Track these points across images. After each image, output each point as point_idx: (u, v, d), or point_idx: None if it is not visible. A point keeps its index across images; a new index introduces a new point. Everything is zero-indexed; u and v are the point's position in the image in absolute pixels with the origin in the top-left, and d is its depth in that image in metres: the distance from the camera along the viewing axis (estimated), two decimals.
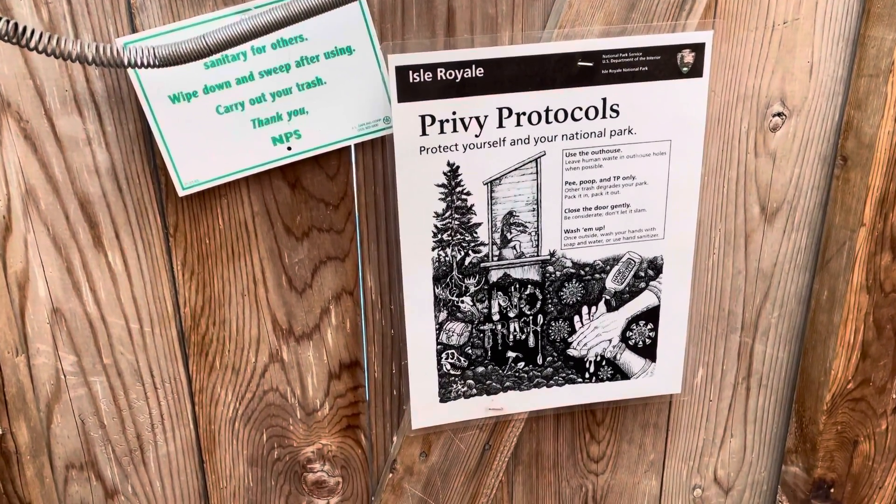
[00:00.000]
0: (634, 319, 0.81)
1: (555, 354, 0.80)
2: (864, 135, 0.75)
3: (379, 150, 0.72)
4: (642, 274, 0.79)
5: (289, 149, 0.70)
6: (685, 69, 0.71)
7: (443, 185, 0.71)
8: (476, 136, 0.70)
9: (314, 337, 0.79)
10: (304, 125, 0.69)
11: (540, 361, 0.80)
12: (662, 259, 0.79)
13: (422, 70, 0.66)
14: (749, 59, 0.75)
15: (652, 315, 0.81)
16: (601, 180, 0.74)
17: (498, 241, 0.75)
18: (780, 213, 0.83)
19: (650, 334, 0.82)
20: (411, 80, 0.67)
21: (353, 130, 0.70)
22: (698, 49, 0.71)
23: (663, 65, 0.70)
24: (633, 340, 0.82)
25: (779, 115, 0.78)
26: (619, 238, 0.77)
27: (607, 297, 0.79)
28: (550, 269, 0.77)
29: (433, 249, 0.74)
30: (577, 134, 0.72)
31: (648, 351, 0.82)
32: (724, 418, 0.92)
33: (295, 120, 0.69)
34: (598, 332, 0.81)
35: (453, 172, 0.71)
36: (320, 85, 0.68)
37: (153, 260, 0.73)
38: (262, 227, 0.74)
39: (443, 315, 0.76)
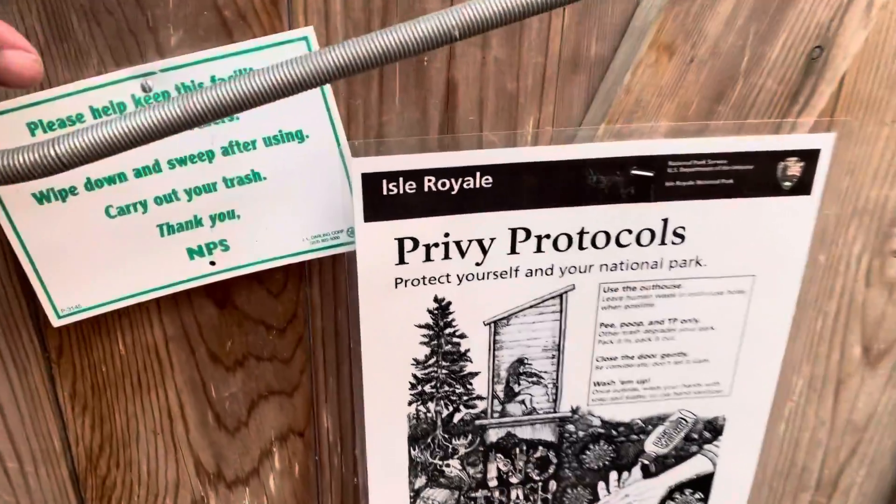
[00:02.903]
0: (679, 488, 0.61)
1: None
2: None
3: (343, 262, 0.52)
4: (695, 436, 0.58)
5: (212, 264, 0.50)
6: (787, 184, 0.49)
7: (427, 326, 0.51)
8: (477, 264, 0.49)
9: (251, 483, 0.60)
10: (235, 234, 0.49)
11: None
12: (724, 420, 0.58)
13: (401, 179, 0.45)
14: (876, 164, 0.53)
15: (703, 484, 0.61)
16: (651, 323, 0.53)
17: (501, 395, 0.54)
18: (889, 355, 0.61)
19: None
20: (385, 192, 0.45)
21: (304, 243, 0.50)
22: (810, 158, 0.48)
23: (756, 177, 0.48)
24: None
25: None
26: (669, 393, 0.56)
27: (645, 462, 0.59)
28: (571, 427, 0.56)
29: (410, 404, 0.53)
30: (621, 264, 0.50)
31: None
32: None
33: (221, 227, 0.48)
34: (628, 502, 0.61)
35: (442, 310, 0.50)
36: (257, 181, 0.47)
37: (31, 390, 0.54)
38: (178, 354, 0.54)
39: (420, 481, 0.57)
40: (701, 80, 0.45)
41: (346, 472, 0.61)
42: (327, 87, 0.45)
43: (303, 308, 0.54)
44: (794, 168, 0.48)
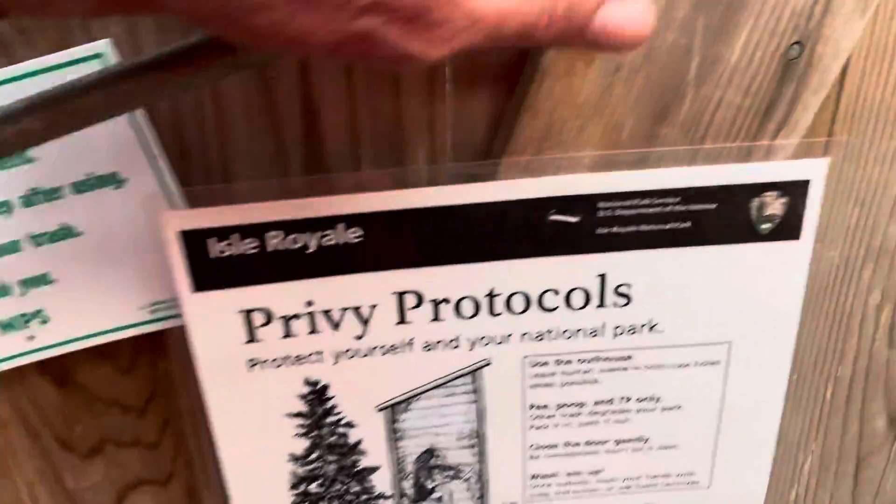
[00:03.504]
0: None
1: None
2: None
3: None
4: None
5: (31, 339, 0.40)
6: (766, 226, 0.37)
7: (301, 415, 0.40)
8: (357, 337, 0.38)
9: None
10: (52, 303, 0.39)
11: None
12: None
13: (236, 236, 0.34)
14: (891, 192, 0.40)
15: None
16: (597, 403, 0.41)
17: (410, 493, 0.43)
18: None
19: None
20: (217, 254, 0.35)
21: (140, 313, 0.39)
22: (795, 191, 0.36)
23: (722, 219, 0.36)
24: None
25: None
26: (630, 486, 0.44)
27: None
28: None
29: None
30: (549, 332, 0.39)
31: None
32: None
33: (34, 294, 0.38)
34: None
35: (318, 395, 0.39)
36: (71, 237, 0.37)
37: None
38: (21, 441, 0.45)
39: None
40: (634, 93, 0.33)
41: None
42: (140, 115, 0.35)
43: (162, 385, 0.44)
44: (775, 206, 0.36)
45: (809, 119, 0.34)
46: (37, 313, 0.39)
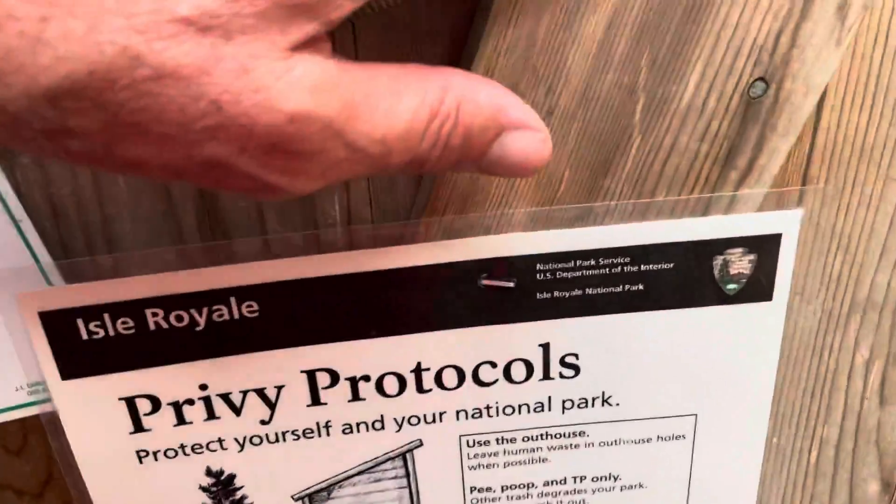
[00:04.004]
0: None
1: None
2: None
3: None
4: None
5: None
6: (732, 287, 0.32)
7: None
8: (263, 422, 0.33)
9: None
10: None
11: None
12: None
13: (107, 315, 0.29)
14: (882, 236, 0.34)
15: None
16: (547, 483, 0.36)
17: None
18: None
19: None
20: (87, 336, 0.30)
21: (19, 395, 0.34)
22: (764, 247, 0.31)
23: (680, 280, 0.31)
24: None
25: None
26: None
27: None
28: None
29: None
30: (489, 408, 0.34)
31: None
32: None
33: None
34: None
35: (223, 486, 0.34)
36: None
37: None
38: None
39: None
40: (570, 142, 0.28)
41: None
42: (3, 183, 0.30)
43: (58, 467, 0.39)
44: (741, 264, 0.31)
45: (777, 166, 0.29)
46: None
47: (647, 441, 0.35)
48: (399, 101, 0.20)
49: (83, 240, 0.32)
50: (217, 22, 0.17)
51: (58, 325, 0.29)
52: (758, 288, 0.32)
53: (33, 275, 0.31)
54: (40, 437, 0.38)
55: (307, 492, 0.35)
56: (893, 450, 0.41)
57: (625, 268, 0.31)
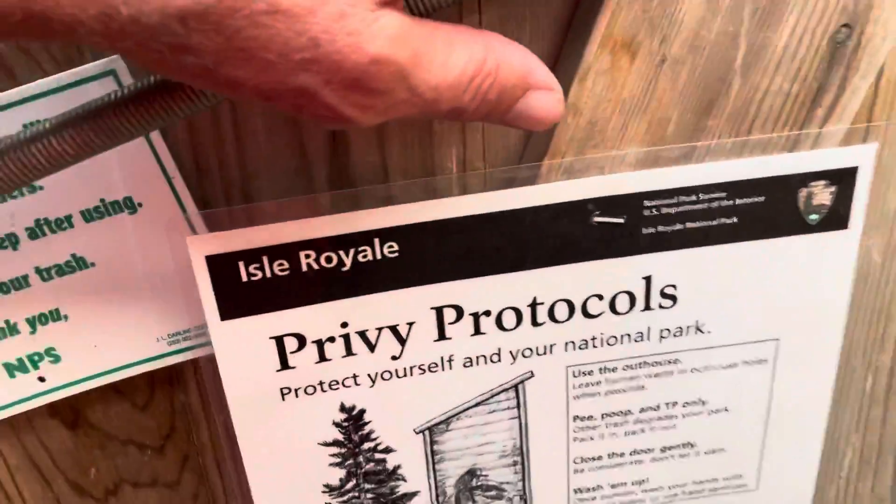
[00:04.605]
0: None
1: None
2: None
3: None
4: None
5: (41, 380, 0.37)
6: (814, 217, 0.35)
7: (336, 444, 0.38)
8: (394, 357, 0.36)
9: None
10: (64, 340, 0.36)
11: None
12: None
13: (266, 258, 0.32)
14: None
15: None
16: (642, 410, 0.40)
17: None
18: None
19: None
20: (246, 278, 0.32)
21: (159, 345, 0.37)
22: (843, 179, 0.35)
23: (770, 213, 0.35)
24: None
25: None
26: (676, 493, 0.43)
27: None
28: None
29: None
30: (594, 340, 0.37)
31: None
32: None
33: (44, 332, 0.36)
34: None
35: (354, 421, 0.37)
36: (82, 269, 0.35)
37: None
38: (33, 487, 0.42)
39: None
40: (680, 86, 0.32)
41: None
42: (154, 134, 0.32)
43: (181, 420, 0.41)
44: (823, 195, 0.35)
45: (857, 104, 0.33)
46: (48, 352, 0.36)
47: (734, 366, 0.39)
48: (451, 57, 0.24)
49: (224, 197, 0.35)
50: None
51: (220, 269, 0.32)
52: (836, 217, 0.35)
53: (184, 227, 0.34)
54: (166, 391, 0.41)
55: (427, 425, 0.38)
56: None
57: (721, 202, 0.34)
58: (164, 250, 0.34)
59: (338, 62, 0.21)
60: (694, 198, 0.34)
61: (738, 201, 0.34)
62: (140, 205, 0.34)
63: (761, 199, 0.35)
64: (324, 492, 0.39)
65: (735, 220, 0.35)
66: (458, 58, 0.24)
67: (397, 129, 0.34)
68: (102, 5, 0.19)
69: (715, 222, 0.35)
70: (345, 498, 0.39)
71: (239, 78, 0.21)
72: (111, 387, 0.39)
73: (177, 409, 0.41)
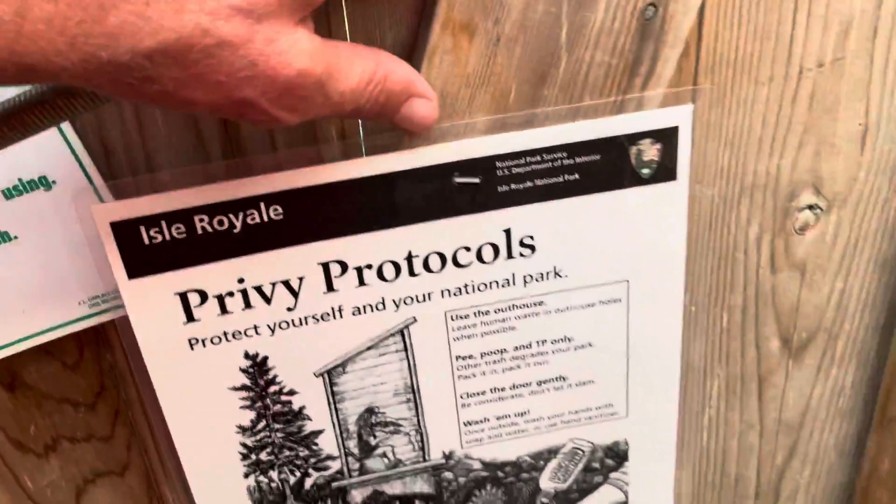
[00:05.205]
0: None
1: None
2: None
3: None
4: (597, 465, 0.51)
5: None
6: (646, 171, 0.41)
7: (244, 388, 0.43)
8: (289, 309, 0.41)
9: None
10: None
11: None
12: (627, 443, 0.50)
13: (164, 222, 0.37)
14: (758, 131, 0.44)
15: None
16: (516, 348, 0.45)
17: (355, 451, 0.47)
18: (813, 345, 0.53)
19: None
20: (148, 241, 0.37)
21: (82, 308, 0.42)
22: (667, 137, 0.40)
23: (607, 169, 0.41)
24: None
25: (811, 208, 0.48)
26: (556, 423, 0.49)
27: (544, 501, 0.51)
28: (449, 475, 0.49)
29: (247, 476, 0.46)
30: (466, 287, 0.43)
31: None
32: None
33: None
34: None
35: (258, 367, 0.42)
36: (6, 242, 0.39)
37: None
38: None
39: None
40: (515, 61, 0.37)
41: None
42: (66, 129, 0.37)
43: (109, 378, 0.46)
44: (651, 152, 0.41)
45: (670, 71, 0.39)
46: None
47: (592, 306, 0.45)
48: (352, 69, 0.31)
49: (130, 174, 0.40)
50: (254, 9, 0.26)
51: (125, 233, 0.37)
52: (665, 171, 0.41)
53: (92, 198, 0.38)
54: (93, 352, 0.45)
55: (325, 368, 0.43)
56: (787, 310, 0.51)
57: (563, 161, 0.40)
58: (79, 220, 0.39)
59: (271, 77, 0.28)
60: (539, 158, 0.40)
61: (577, 160, 0.40)
62: (54, 182, 0.38)
63: (598, 157, 0.40)
64: (237, 432, 0.44)
65: (577, 176, 0.40)
66: (356, 69, 0.31)
67: None
68: (84, 53, 0.25)
69: (560, 179, 0.40)
70: (258, 437, 0.44)
71: (195, 98, 0.27)
72: (42, 349, 0.43)
73: (104, 368, 0.46)
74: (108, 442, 0.48)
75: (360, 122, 0.40)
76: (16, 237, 0.39)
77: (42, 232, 0.39)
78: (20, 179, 0.38)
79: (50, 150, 0.38)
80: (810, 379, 0.55)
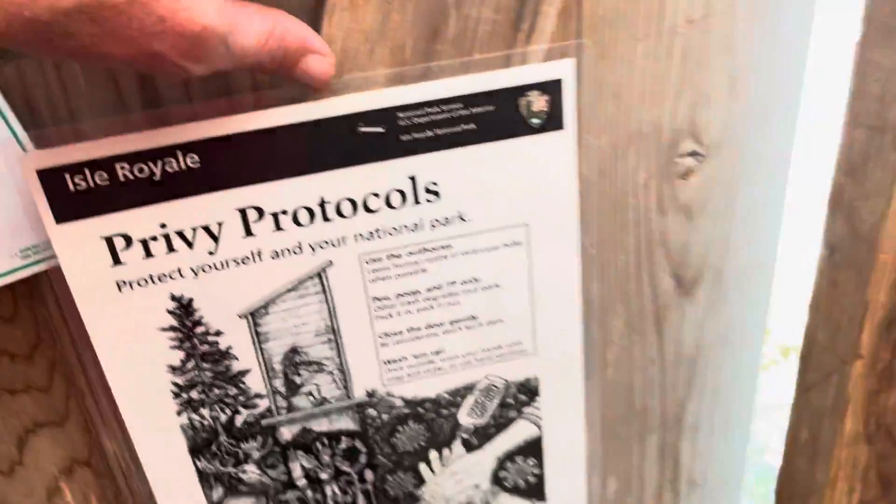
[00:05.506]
0: (508, 457, 0.57)
1: None
2: (860, 221, 0.48)
3: None
4: (511, 401, 0.55)
5: None
6: (536, 121, 0.45)
7: (172, 329, 0.46)
8: (210, 253, 0.44)
9: None
10: None
11: None
12: (537, 379, 0.55)
13: (87, 170, 0.40)
14: (639, 84, 0.49)
15: (533, 448, 0.57)
16: (429, 289, 0.49)
17: (282, 389, 0.50)
18: (702, 282, 0.59)
19: (534, 471, 0.58)
20: (73, 188, 0.40)
21: (14, 260, 0.44)
22: (553, 89, 0.45)
23: (500, 118, 0.45)
24: (511, 482, 0.58)
25: (692, 154, 0.53)
26: (470, 361, 0.53)
27: (464, 436, 0.56)
28: (372, 412, 0.53)
29: (180, 414, 0.49)
30: (377, 231, 0.46)
31: (534, 490, 0.59)
32: None
33: None
34: (458, 479, 0.57)
35: (184, 308, 0.46)
36: None
37: None
38: None
39: (217, 493, 0.52)
40: (408, 18, 0.41)
41: (148, 496, 0.56)
42: None
43: (45, 330, 0.49)
44: (539, 103, 0.45)
45: (552, 27, 0.43)
46: None
47: (496, 248, 0.49)
48: (252, 26, 0.35)
49: (53, 129, 0.42)
50: None
51: (52, 180, 0.39)
52: (553, 121, 0.46)
53: (17, 150, 0.41)
54: (28, 304, 0.48)
55: (248, 310, 0.47)
56: (677, 250, 0.56)
57: (460, 112, 0.44)
58: (9, 176, 0.42)
59: (179, 32, 0.31)
60: (437, 109, 0.44)
61: (473, 110, 0.44)
62: None
63: (492, 108, 0.44)
64: (168, 372, 0.47)
65: (474, 126, 0.45)
66: (256, 27, 0.35)
67: None
68: (7, 14, 0.28)
69: (458, 129, 0.44)
70: (188, 376, 0.47)
71: (111, 52, 0.31)
72: None
73: (40, 320, 0.48)
74: (47, 392, 0.51)
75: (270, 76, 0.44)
76: None
77: None
78: None
79: None
80: (700, 315, 0.60)
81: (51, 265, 0.45)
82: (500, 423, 0.56)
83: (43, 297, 0.47)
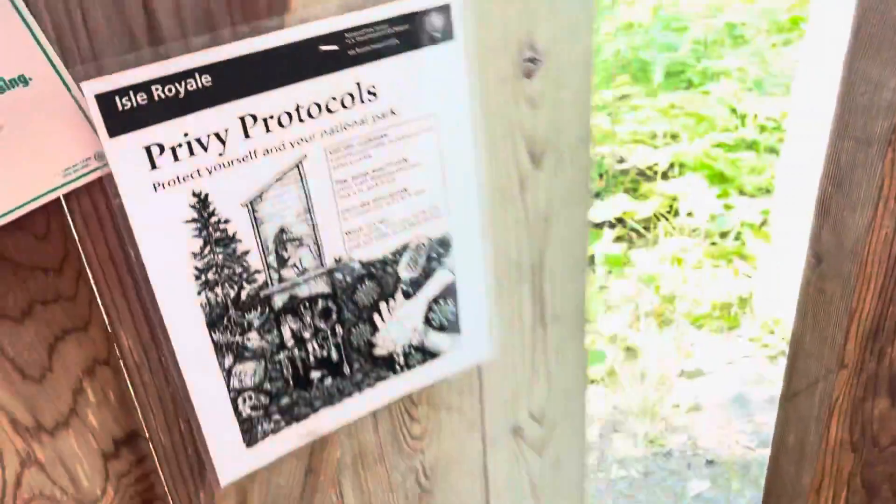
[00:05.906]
0: (434, 300, 0.76)
1: (361, 360, 0.74)
2: (846, 230, 0.49)
3: (98, 189, 0.57)
4: (435, 255, 0.74)
5: None
6: (436, 35, 0.64)
7: (193, 220, 0.59)
8: (220, 154, 0.58)
9: (73, 423, 0.65)
10: None
11: (347, 371, 0.73)
12: (450, 236, 0.74)
13: (132, 92, 0.52)
14: (496, 6, 0.69)
15: (451, 292, 0.77)
16: (374, 171, 0.66)
17: (274, 264, 0.64)
18: (547, 156, 0.81)
19: (452, 310, 0.78)
20: (121, 108, 0.52)
21: (57, 179, 0.54)
22: (444, 10, 0.63)
23: (413, 34, 0.63)
24: (437, 321, 0.77)
25: (531, 60, 0.75)
26: (405, 225, 0.70)
27: (403, 287, 0.73)
28: (339, 276, 0.68)
29: (199, 293, 0.62)
30: (337, 127, 0.62)
31: (453, 326, 0.79)
32: (529, 360, 0.93)
33: None
34: (401, 324, 0.75)
35: (202, 203, 0.59)
36: None
37: None
38: None
39: (229, 360, 0.66)
40: None
41: (160, 384, 0.67)
42: (38, 32, 0.50)
43: (73, 244, 0.59)
44: (437, 20, 0.63)
45: None
46: None
47: (417, 135, 0.67)
48: None
49: (81, 63, 0.53)
50: None
51: (106, 103, 0.51)
52: (447, 32, 0.64)
53: (56, 83, 0.52)
54: (58, 220, 0.58)
55: (248, 199, 0.61)
56: (529, 134, 0.78)
57: (386, 30, 0.61)
58: (53, 107, 0.52)
59: None
60: (372, 29, 0.60)
61: (395, 28, 0.62)
62: (31, 79, 0.51)
63: (407, 26, 0.62)
64: (190, 257, 0.60)
65: (397, 41, 0.62)
66: None
67: (191, 5, 0.56)
68: None
69: (387, 44, 0.62)
70: (206, 259, 0.60)
71: None
72: (14, 225, 0.55)
73: (67, 234, 0.58)
74: (74, 301, 0.60)
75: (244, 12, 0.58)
76: (1, 127, 0.51)
77: (24, 120, 0.52)
78: (2, 78, 0.50)
79: (23, 50, 0.50)
80: (548, 181, 0.83)
81: (87, 180, 0.55)
82: (427, 274, 0.74)
83: (71, 213, 0.57)
